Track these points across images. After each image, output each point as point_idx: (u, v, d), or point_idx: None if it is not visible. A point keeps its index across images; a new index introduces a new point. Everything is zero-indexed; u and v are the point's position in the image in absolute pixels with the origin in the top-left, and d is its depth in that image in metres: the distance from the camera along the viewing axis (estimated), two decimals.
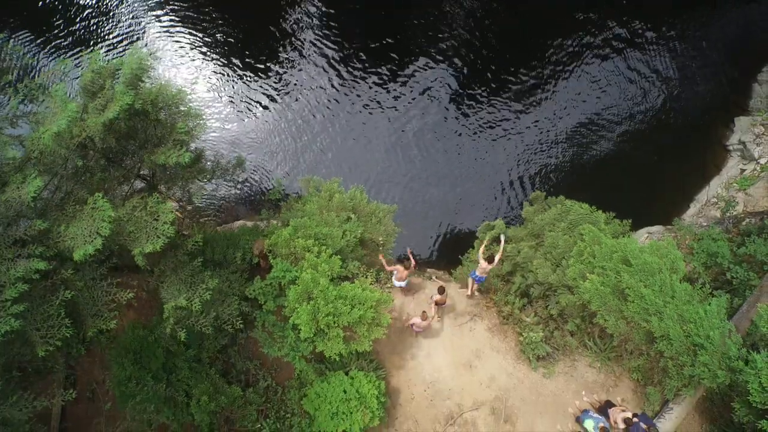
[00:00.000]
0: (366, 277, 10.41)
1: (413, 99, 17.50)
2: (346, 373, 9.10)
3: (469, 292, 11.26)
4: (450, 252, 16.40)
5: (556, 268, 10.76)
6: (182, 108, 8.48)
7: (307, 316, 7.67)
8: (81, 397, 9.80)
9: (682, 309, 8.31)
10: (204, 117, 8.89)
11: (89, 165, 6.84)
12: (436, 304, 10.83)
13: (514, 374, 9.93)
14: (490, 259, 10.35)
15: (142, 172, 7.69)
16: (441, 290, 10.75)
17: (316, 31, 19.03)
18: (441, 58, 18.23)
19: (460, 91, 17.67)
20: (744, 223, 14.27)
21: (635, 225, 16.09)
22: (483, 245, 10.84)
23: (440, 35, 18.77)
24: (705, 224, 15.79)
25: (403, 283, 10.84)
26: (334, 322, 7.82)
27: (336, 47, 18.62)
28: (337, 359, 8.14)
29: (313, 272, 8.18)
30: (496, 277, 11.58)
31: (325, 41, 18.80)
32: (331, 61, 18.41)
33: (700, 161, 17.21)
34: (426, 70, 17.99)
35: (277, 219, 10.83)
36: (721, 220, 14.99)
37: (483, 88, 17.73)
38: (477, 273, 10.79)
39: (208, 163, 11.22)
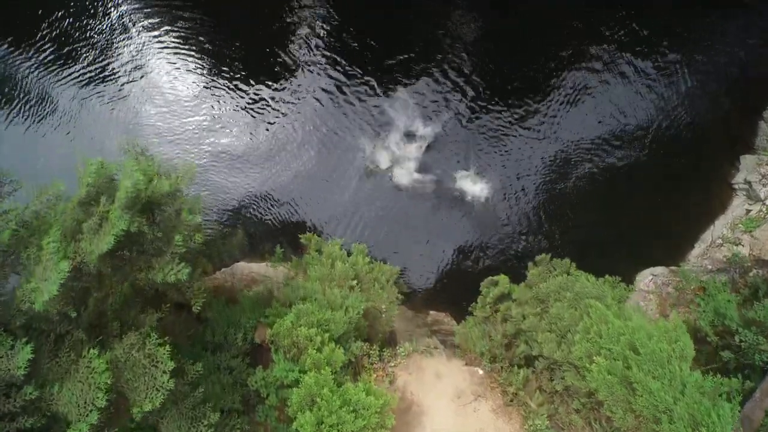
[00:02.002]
0: (368, 356, 10.26)
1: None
2: None
3: None
4: (454, 293, 16.20)
5: (561, 341, 10.61)
6: (180, 198, 8.25)
7: (311, 428, 7.52)
8: None
9: (694, 408, 8.16)
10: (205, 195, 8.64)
11: (83, 286, 6.62)
12: None
13: None
14: None
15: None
16: None
17: (321, 57, 18.65)
18: (442, 86, 17.87)
19: (461, 117, 17.36)
20: (751, 274, 14.07)
21: (638, 264, 15.96)
22: None
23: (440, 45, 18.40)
24: (711, 267, 15.60)
25: None
26: (338, 431, 7.67)
27: (339, 74, 18.26)
28: None
29: (317, 375, 8.01)
30: (500, 347, 11.44)
31: (328, 67, 18.45)
32: (333, 87, 18.09)
33: (704, 199, 16.89)
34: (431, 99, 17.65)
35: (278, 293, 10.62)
36: (727, 268, 14.79)
37: (482, 115, 17.39)
38: None
39: (207, 237, 11.00)
